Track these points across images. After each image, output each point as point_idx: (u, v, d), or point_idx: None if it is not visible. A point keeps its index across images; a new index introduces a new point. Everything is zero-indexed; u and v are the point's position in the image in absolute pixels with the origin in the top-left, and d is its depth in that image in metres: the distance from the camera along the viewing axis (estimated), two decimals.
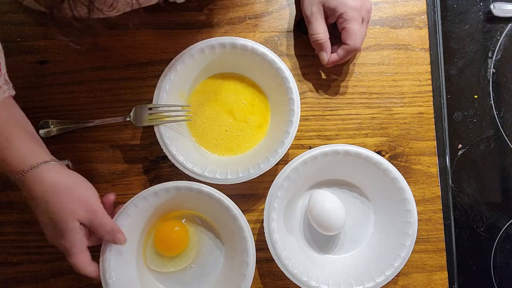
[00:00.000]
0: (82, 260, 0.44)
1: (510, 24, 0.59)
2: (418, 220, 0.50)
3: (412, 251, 0.49)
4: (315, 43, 0.52)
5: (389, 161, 0.50)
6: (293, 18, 0.56)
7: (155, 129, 0.50)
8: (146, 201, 0.49)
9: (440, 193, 0.54)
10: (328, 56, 0.52)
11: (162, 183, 0.48)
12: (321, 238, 0.53)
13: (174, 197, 0.49)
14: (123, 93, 0.54)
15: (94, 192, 0.46)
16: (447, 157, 0.55)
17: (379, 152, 0.54)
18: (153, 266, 0.51)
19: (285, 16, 0.56)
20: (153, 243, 0.52)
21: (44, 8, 0.37)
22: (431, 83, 0.55)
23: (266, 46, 0.51)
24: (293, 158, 0.50)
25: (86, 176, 0.53)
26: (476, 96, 0.58)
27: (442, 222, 0.54)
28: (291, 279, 0.48)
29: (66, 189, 0.43)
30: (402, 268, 0.49)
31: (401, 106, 0.55)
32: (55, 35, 0.39)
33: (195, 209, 0.52)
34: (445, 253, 0.54)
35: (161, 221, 0.52)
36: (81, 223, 0.44)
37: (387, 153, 0.55)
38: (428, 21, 0.56)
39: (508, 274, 0.56)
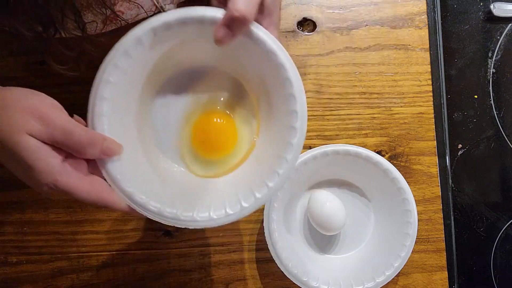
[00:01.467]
0: (78, 186, 0.32)
1: (510, 24, 0.59)
2: (418, 220, 0.50)
3: (412, 251, 0.49)
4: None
5: (389, 161, 0.50)
6: (293, 18, 0.56)
7: None
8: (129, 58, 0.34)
9: (440, 193, 0.54)
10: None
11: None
12: (321, 238, 0.53)
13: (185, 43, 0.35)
14: None
15: (53, 102, 0.33)
16: (447, 157, 0.55)
17: (379, 152, 0.54)
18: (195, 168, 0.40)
19: (285, 16, 0.56)
20: (190, 140, 0.40)
21: (37, 44, 0.35)
22: (431, 83, 0.55)
23: None
24: None
25: None
26: (476, 96, 0.58)
27: (442, 222, 0.54)
28: (291, 279, 0.48)
29: (10, 101, 0.32)
30: (402, 268, 0.49)
31: (401, 106, 0.55)
32: (51, 65, 0.39)
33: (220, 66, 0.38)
34: (445, 253, 0.54)
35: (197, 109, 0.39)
36: (45, 143, 0.31)
37: (387, 153, 0.55)
38: (428, 21, 0.56)
39: (508, 274, 0.56)
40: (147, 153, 0.39)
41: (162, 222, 0.36)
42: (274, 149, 0.38)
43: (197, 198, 0.38)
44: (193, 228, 0.36)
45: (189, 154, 0.40)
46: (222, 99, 0.41)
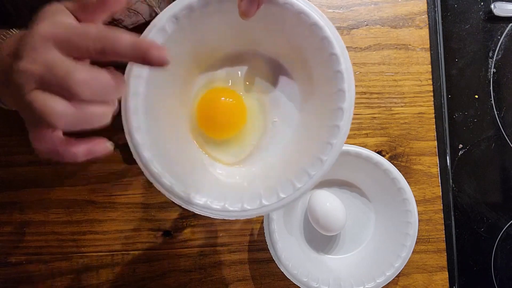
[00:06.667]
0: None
1: (510, 24, 0.59)
2: (419, 221, 0.49)
3: (413, 251, 0.49)
4: None
5: (390, 161, 0.50)
6: None
7: None
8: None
9: (440, 193, 0.54)
10: None
11: None
12: (321, 239, 0.52)
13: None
14: None
15: None
16: (447, 157, 0.55)
17: (379, 152, 0.54)
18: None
19: None
20: (196, 117, 0.38)
21: None
22: (431, 83, 0.55)
23: None
24: None
25: (86, 176, 0.53)
26: (476, 96, 0.58)
27: (443, 222, 0.54)
28: (291, 279, 0.48)
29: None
30: (403, 269, 0.49)
31: (402, 106, 0.55)
32: None
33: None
34: (445, 254, 0.54)
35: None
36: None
37: (387, 153, 0.55)
38: (428, 20, 0.56)
39: (509, 275, 0.56)
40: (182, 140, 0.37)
41: (192, 210, 0.34)
42: (316, 134, 0.35)
43: (225, 187, 0.36)
44: (225, 218, 0.34)
45: (197, 132, 0.38)
46: (240, 75, 0.38)
